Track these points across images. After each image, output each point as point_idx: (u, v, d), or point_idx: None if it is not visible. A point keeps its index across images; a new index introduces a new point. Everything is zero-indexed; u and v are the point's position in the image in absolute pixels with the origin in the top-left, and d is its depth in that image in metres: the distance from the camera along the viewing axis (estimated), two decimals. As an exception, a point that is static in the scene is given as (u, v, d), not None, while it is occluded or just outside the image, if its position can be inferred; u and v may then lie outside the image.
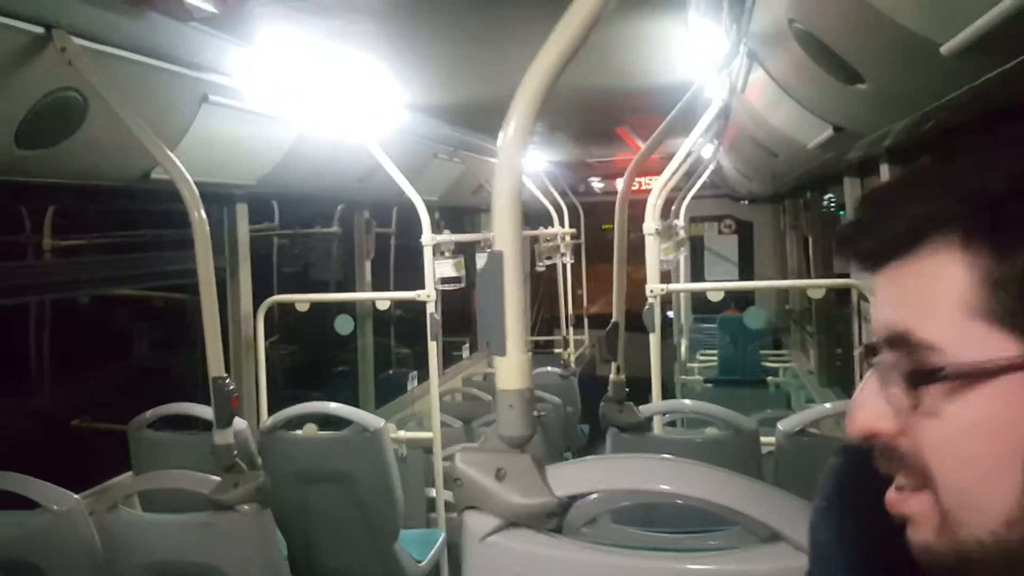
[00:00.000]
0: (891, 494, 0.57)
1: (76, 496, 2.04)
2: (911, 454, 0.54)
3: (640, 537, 1.85)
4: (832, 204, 5.35)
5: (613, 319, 2.70)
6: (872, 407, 0.56)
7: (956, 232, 0.52)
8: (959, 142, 1.63)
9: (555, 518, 1.02)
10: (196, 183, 2.10)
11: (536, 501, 1.00)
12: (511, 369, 1.04)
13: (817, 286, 3.54)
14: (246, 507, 2.00)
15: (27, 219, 3.73)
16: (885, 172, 2.76)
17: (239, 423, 2.56)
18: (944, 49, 1.18)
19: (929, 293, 0.53)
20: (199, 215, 2.04)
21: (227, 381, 2.07)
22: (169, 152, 2.04)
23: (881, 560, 0.64)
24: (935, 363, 0.52)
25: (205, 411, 2.79)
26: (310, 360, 5.81)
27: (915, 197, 0.54)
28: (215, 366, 2.07)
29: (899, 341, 0.54)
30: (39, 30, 1.78)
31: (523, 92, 0.99)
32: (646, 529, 1.97)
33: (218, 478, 2.04)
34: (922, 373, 0.52)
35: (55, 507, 2.00)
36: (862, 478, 0.67)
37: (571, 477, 1.03)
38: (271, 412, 3.23)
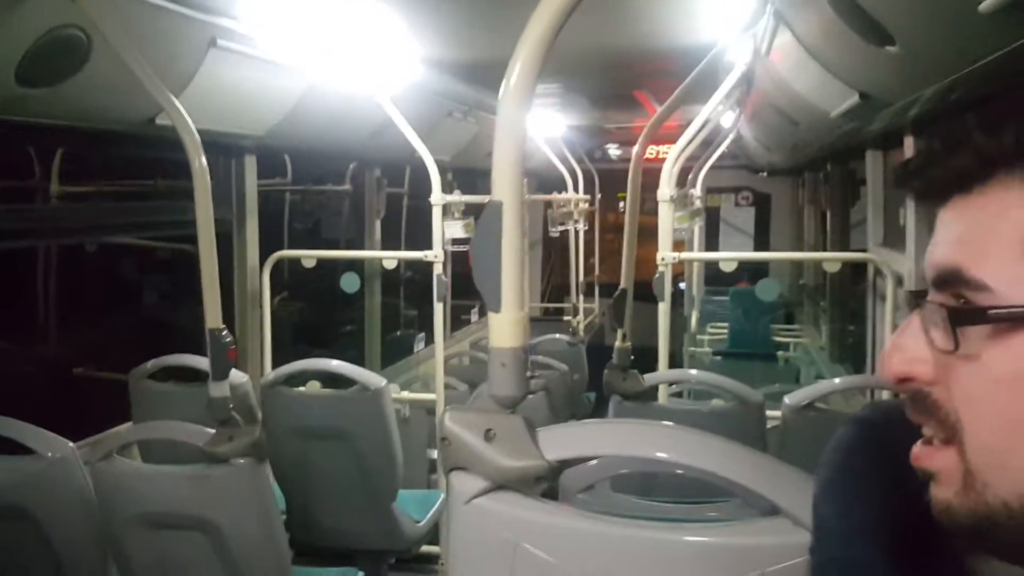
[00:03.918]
0: (917, 448, 0.54)
1: (71, 444, 2.02)
2: (943, 403, 0.51)
3: (636, 506, 1.82)
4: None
5: (621, 286, 2.65)
6: (909, 350, 0.53)
7: None
8: None
9: (544, 482, 0.98)
10: (202, 131, 2.05)
11: (525, 464, 0.96)
12: (505, 326, 0.99)
13: (833, 259, 3.49)
14: (241, 461, 1.98)
15: (36, 164, 3.69)
16: (909, 144, 2.68)
17: (239, 376, 2.54)
18: (982, 7, 1.12)
19: (989, 230, 0.49)
20: (200, 163, 2.00)
21: (224, 333, 2.04)
22: (172, 97, 1.99)
23: (890, 535, 0.60)
24: (983, 303, 0.49)
25: (207, 363, 2.77)
26: (317, 318, 5.79)
27: (987, 131, 0.50)
28: (212, 317, 2.04)
29: (949, 280, 0.51)
30: (40, -37, 1.73)
31: (530, 31, 0.94)
32: (644, 498, 1.93)
33: (215, 430, 2.02)
34: (967, 312, 0.49)
35: (49, 454, 1.98)
36: (871, 450, 0.64)
37: (563, 441, 0.99)
38: (276, 368, 3.21)
